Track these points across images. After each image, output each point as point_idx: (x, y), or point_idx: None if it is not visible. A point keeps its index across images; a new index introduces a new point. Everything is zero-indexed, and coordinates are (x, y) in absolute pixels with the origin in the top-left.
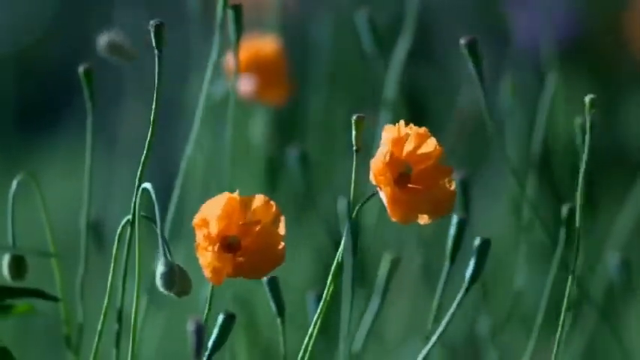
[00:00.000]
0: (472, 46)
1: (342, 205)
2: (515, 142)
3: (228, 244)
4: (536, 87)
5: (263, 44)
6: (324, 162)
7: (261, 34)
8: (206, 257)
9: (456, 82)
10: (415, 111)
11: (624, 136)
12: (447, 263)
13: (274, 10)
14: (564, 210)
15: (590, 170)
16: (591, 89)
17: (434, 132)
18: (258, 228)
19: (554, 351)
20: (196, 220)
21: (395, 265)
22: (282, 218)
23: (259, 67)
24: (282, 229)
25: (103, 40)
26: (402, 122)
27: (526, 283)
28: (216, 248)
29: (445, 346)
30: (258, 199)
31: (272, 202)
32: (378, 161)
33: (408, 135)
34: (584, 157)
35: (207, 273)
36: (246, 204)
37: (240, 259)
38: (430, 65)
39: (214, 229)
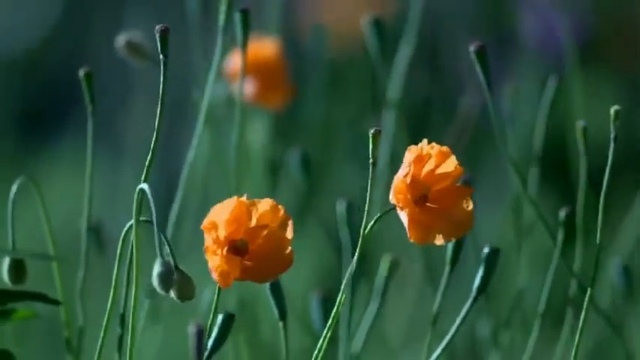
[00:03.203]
0: (481, 53)
1: (341, 208)
2: (522, 144)
3: (235, 248)
4: (542, 89)
5: (263, 47)
6: (325, 165)
7: (261, 36)
8: (214, 260)
9: (459, 84)
10: (418, 114)
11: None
12: (447, 268)
13: (274, 13)
14: (562, 213)
15: (601, 171)
16: (603, 90)
17: (436, 135)
18: (265, 232)
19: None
20: (205, 223)
21: (394, 267)
22: (290, 222)
23: (259, 71)
24: (289, 234)
25: (121, 39)
26: (424, 141)
27: (528, 285)
28: (224, 252)
29: (446, 347)
30: (266, 203)
31: (280, 207)
32: (399, 182)
33: (430, 155)
34: (608, 166)
35: (215, 276)
36: (254, 208)
37: (248, 263)
38: (434, 68)
39: (222, 232)
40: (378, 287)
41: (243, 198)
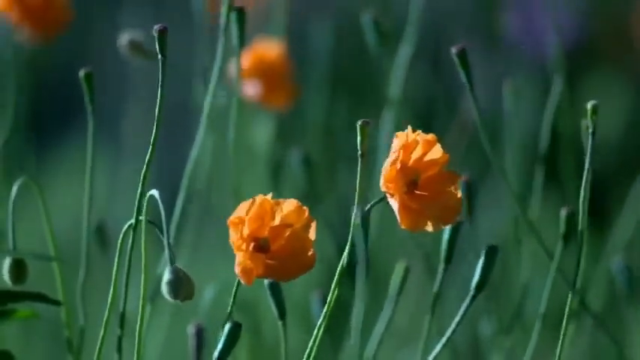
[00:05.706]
0: (462, 55)
1: (356, 213)
2: (520, 144)
3: (258, 245)
4: (542, 89)
5: (267, 49)
6: (327, 165)
7: (266, 38)
8: (239, 256)
9: (459, 84)
10: (418, 114)
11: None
12: (442, 266)
13: (278, 15)
14: (563, 213)
15: (600, 171)
16: (602, 90)
17: (437, 135)
18: (288, 232)
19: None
20: (232, 218)
21: (407, 273)
22: (314, 224)
23: (263, 72)
24: (312, 235)
25: (124, 39)
26: (409, 129)
27: (530, 285)
28: (250, 248)
29: (448, 347)
30: (291, 204)
31: (304, 208)
32: (389, 169)
33: (416, 142)
34: (587, 162)
35: (237, 271)
36: (278, 207)
37: (271, 261)
38: (434, 68)
39: (247, 228)
40: (392, 293)
41: (269, 196)
